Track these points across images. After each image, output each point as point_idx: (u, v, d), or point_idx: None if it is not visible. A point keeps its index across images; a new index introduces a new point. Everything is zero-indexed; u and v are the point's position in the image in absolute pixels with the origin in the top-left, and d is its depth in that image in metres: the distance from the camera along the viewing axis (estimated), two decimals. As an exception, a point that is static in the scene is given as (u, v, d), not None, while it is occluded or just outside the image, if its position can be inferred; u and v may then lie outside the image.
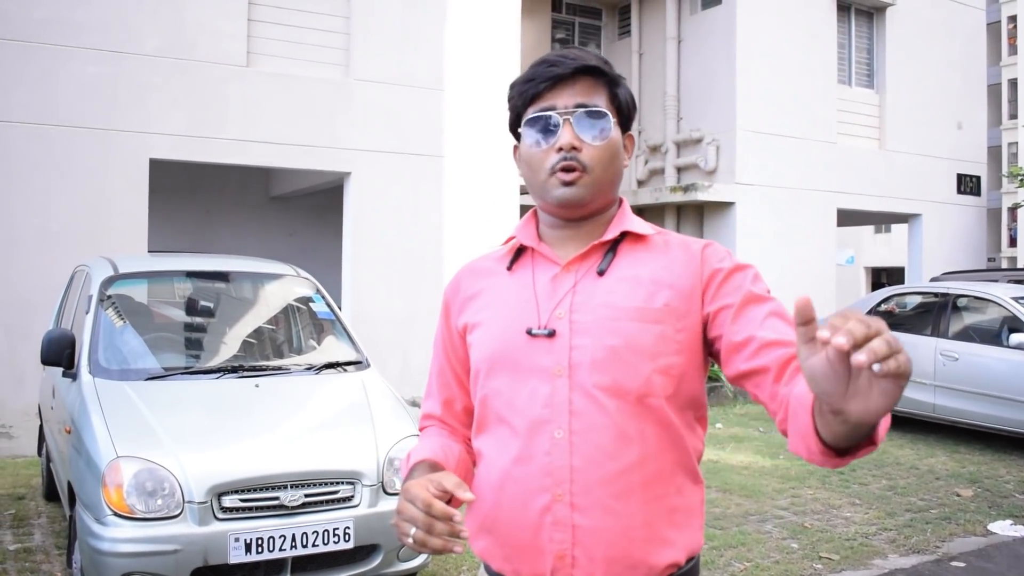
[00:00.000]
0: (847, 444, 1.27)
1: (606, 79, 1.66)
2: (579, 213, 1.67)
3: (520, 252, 1.74)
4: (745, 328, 1.54)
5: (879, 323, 1.05)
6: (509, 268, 1.73)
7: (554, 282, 1.65)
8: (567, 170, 1.61)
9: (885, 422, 1.26)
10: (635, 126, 14.46)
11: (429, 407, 1.86)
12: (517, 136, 1.71)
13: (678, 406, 1.60)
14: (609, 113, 1.64)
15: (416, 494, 1.44)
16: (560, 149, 1.61)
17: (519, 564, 1.61)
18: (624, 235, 1.68)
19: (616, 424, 1.55)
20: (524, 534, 1.59)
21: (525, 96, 1.65)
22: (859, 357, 1.02)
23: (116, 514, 3.82)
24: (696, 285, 1.60)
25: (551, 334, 1.60)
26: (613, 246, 1.67)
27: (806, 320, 1.13)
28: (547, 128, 1.62)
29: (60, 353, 4.79)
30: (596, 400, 1.56)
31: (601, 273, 1.64)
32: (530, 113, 1.65)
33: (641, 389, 1.56)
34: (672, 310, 1.59)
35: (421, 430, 1.86)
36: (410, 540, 1.44)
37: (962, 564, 5.46)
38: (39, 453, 6.91)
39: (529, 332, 1.62)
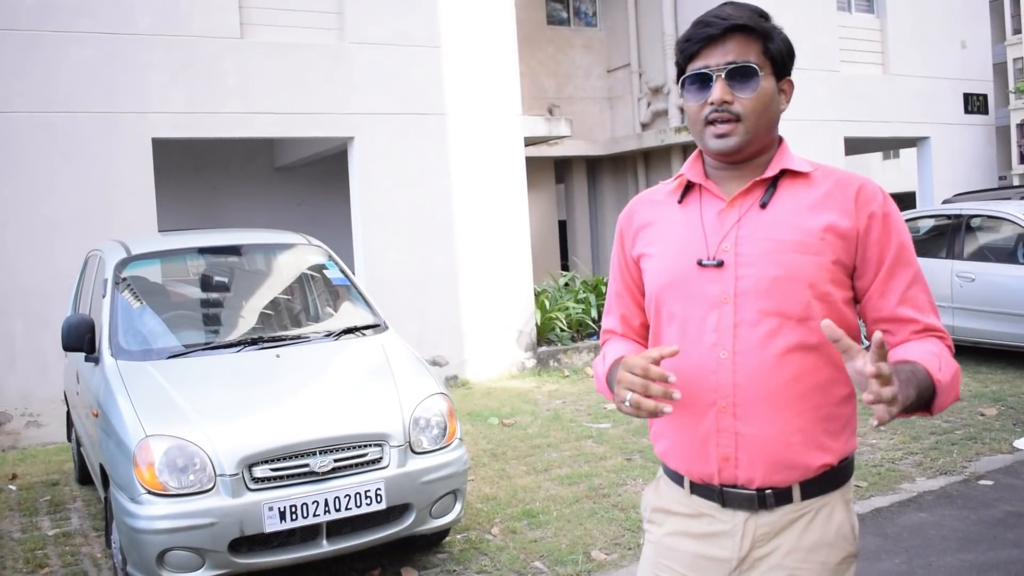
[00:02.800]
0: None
1: (757, 34, 1.82)
2: (736, 159, 1.85)
3: (688, 188, 1.93)
4: (889, 296, 1.79)
5: (895, 386, 1.50)
6: (680, 202, 1.93)
7: (720, 216, 1.85)
8: (717, 121, 1.80)
9: (943, 399, 1.70)
10: (636, 68, 14.36)
11: (609, 323, 2.13)
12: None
13: None
14: (758, 66, 1.80)
15: (634, 363, 1.69)
16: (712, 103, 1.80)
17: (691, 465, 1.88)
18: (783, 172, 1.85)
19: (777, 345, 1.76)
20: (694, 440, 1.85)
21: (685, 55, 1.85)
22: (866, 397, 1.51)
23: (150, 492, 3.88)
24: (851, 226, 1.78)
25: (719, 264, 1.80)
26: (774, 182, 1.85)
27: (836, 338, 1.55)
28: (702, 84, 1.82)
29: (81, 338, 4.83)
30: (760, 324, 1.77)
31: (763, 206, 1.82)
32: (688, 71, 1.85)
33: (802, 313, 1.75)
34: (829, 243, 1.77)
35: (603, 344, 2.13)
36: (626, 404, 1.69)
37: (990, 482, 5.49)
38: (69, 439, 7.00)
39: (700, 263, 1.82)
